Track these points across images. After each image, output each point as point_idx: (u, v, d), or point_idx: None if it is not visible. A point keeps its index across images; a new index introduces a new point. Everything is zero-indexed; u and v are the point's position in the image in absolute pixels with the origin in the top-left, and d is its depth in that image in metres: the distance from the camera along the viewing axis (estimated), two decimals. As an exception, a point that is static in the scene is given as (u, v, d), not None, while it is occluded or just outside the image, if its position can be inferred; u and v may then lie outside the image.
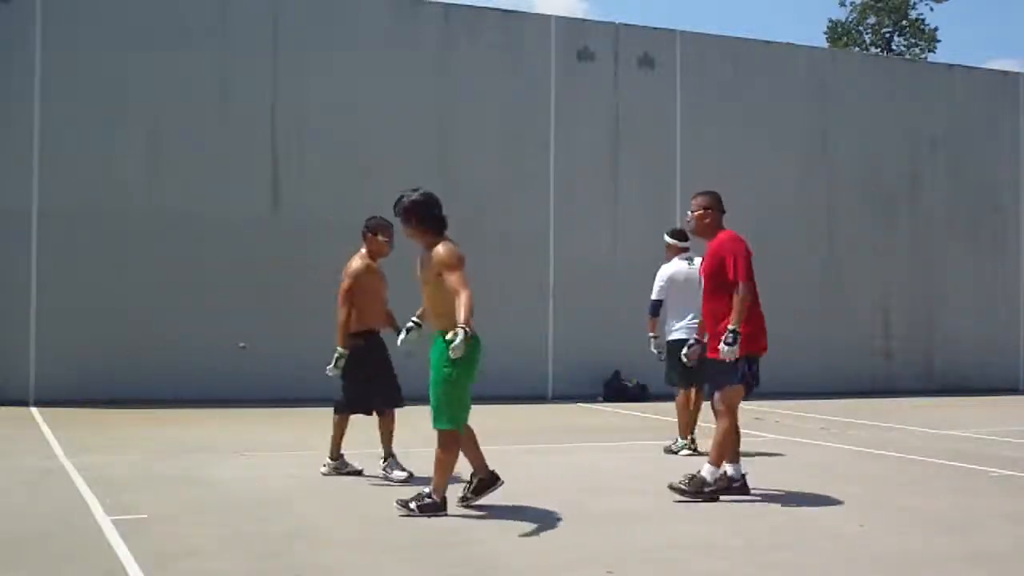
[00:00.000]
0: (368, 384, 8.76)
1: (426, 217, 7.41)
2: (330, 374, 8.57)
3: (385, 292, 9.10)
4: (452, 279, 7.08)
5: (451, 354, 6.65)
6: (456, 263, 7.16)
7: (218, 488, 7.91)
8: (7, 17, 14.75)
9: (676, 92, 18.19)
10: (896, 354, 19.52)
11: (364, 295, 8.85)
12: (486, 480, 7.31)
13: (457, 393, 7.11)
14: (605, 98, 17.78)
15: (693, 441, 10.35)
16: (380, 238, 9.16)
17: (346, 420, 8.82)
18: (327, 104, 16.05)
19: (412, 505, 6.92)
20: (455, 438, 7.16)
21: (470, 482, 7.34)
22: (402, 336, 8.18)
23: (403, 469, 8.57)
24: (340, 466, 8.74)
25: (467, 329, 6.66)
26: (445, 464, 7.10)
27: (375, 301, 8.97)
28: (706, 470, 7.63)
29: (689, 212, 8.20)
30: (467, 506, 7.19)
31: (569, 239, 17.31)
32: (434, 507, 6.93)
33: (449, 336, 6.68)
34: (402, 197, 7.48)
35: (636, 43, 18.04)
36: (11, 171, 14.60)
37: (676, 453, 10.26)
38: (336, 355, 8.60)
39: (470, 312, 6.80)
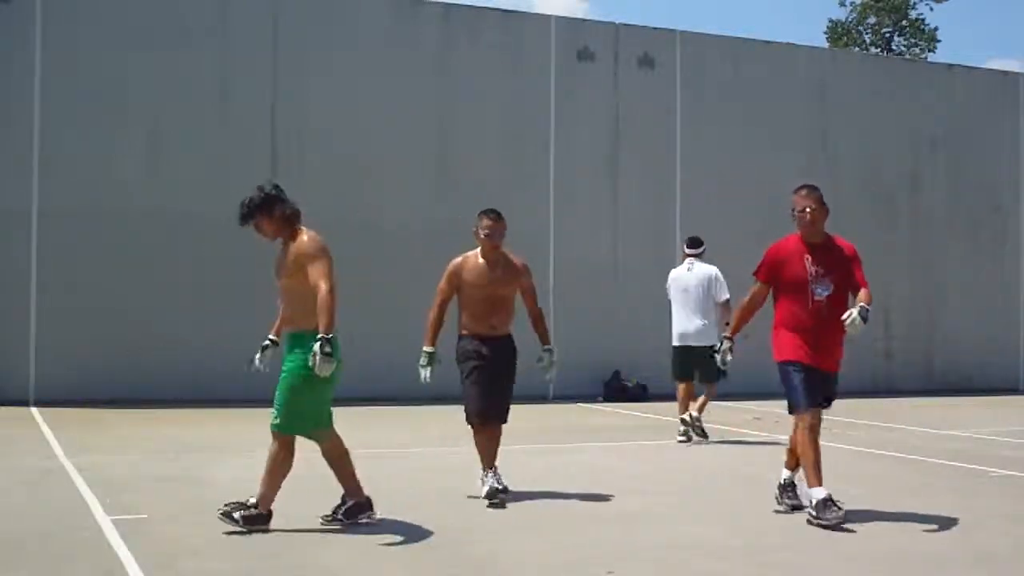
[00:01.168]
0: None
1: (284, 205, 7.00)
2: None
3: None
4: (315, 271, 6.55)
5: (316, 372, 6.31)
6: (321, 253, 6.68)
7: (218, 488, 7.90)
8: (7, 17, 14.75)
9: (676, 92, 18.19)
10: (896, 354, 19.51)
11: None
12: (362, 504, 6.67)
13: (304, 397, 6.57)
14: (605, 98, 17.78)
15: (687, 424, 11.07)
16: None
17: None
18: (327, 104, 16.05)
19: (236, 516, 6.31)
20: (291, 446, 6.59)
21: (342, 502, 6.71)
22: (257, 356, 7.56)
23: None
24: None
25: (328, 341, 6.27)
26: (275, 473, 6.50)
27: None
28: (813, 493, 6.79)
29: (804, 207, 7.17)
30: (326, 524, 6.61)
31: (569, 239, 17.31)
32: (259, 519, 6.35)
33: (316, 349, 6.27)
34: (248, 198, 7.08)
35: (636, 43, 18.04)
36: (11, 171, 14.60)
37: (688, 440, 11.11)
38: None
39: (332, 317, 6.33)
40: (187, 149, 15.35)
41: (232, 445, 10.47)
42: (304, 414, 6.63)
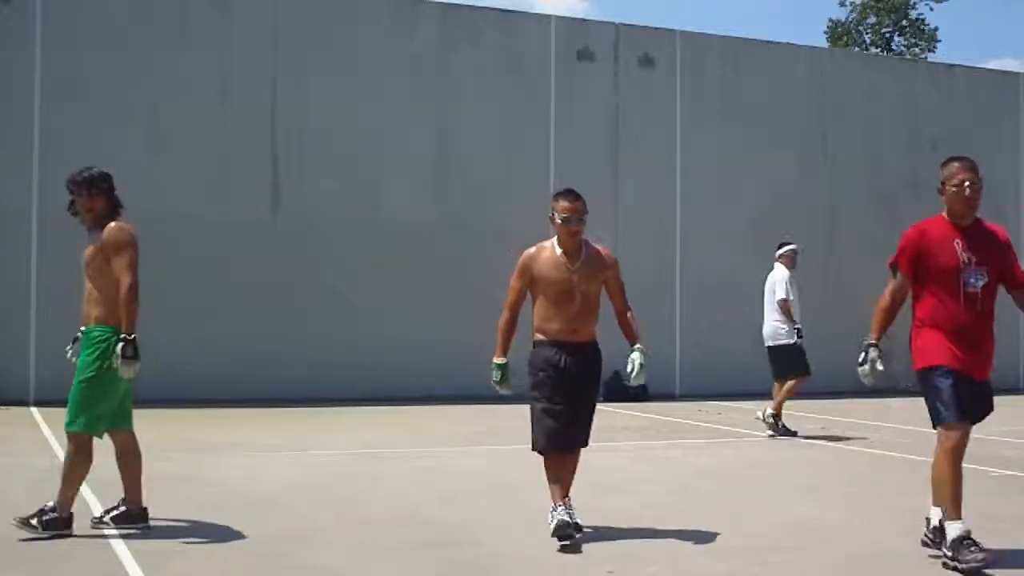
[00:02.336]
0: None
1: (111, 190, 6.81)
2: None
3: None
4: (120, 263, 6.33)
5: (120, 375, 6.10)
6: (129, 245, 6.48)
7: (218, 488, 7.90)
8: (7, 17, 14.75)
9: (676, 92, 18.19)
10: (896, 354, 19.50)
11: None
12: (135, 515, 6.33)
13: (100, 396, 6.26)
14: (605, 98, 17.78)
15: (774, 420, 11.69)
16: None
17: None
18: (327, 104, 16.05)
19: (34, 522, 6.02)
20: (87, 447, 6.21)
21: (118, 505, 6.39)
22: (69, 347, 7.17)
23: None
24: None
25: (131, 341, 6.10)
26: (71, 476, 6.17)
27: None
28: (948, 529, 5.71)
29: (964, 180, 5.88)
30: (95, 526, 6.30)
31: (569, 239, 17.29)
32: (59, 524, 6.06)
33: (117, 351, 6.10)
34: (89, 167, 6.90)
35: (636, 43, 18.04)
36: (11, 171, 14.60)
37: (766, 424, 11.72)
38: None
39: (134, 314, 6.13)
40: (187, 149, 15.36)
41: (232, 445, 10.47)
42: (100, 414, 6.24)
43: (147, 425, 11.94)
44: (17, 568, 5.48)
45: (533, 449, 6.34)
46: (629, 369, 6.46)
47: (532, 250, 6.47)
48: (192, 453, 9.78)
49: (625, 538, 6.37)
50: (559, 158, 17.34)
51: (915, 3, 42.37)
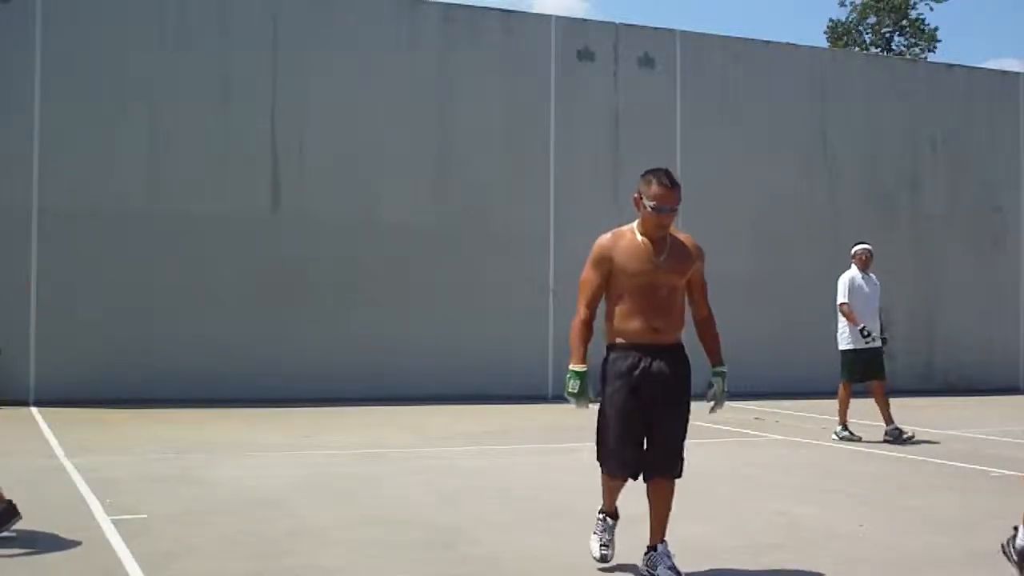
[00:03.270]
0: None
1: None
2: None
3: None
4: None
5: None
6: None
7: (218, 488, 7.90)
8: (7, 17, 14.75)
9: (676, 92, 18.19)
10: (896, 354, 19.50)
11: None
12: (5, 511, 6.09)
13: None
14: (605, 98, 17.78)
15: (845, 428, 11.59)
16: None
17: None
18: (327, 104, 16.05)
19: None
20: None
21: None
22: None
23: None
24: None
25: None
26: None
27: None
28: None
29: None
30: None
31: (569, 239, 17.29)
32: (6, 516, 6.04)
33: None
34: None
35: (636, 43, 18.04)
36: (11, 171, 14.60)
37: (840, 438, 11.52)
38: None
39: None
40: (187, 149, 15.36)
41: (232, 445, 10.47)
42: None
43: (147, 425, 11.98)
44: (17, 568, 5.48)
45: (599, 459, 5.56)
46: (708, 398, 5.40)
47: (608, 236, 5.44)
48: (192, 453, 9.78)
49: (625, 538, 6.37)
50: (559, 158, 17.34)
51: (915, 3, 42.38)
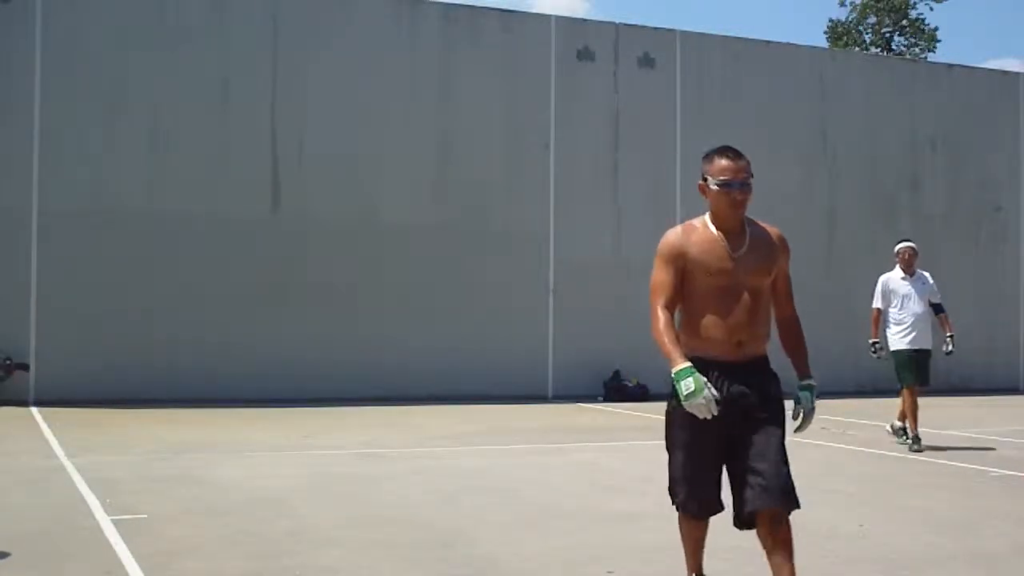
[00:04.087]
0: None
1: None
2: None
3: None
4: None
5: None
6: None
7: (218, 488, 7.90)
8: (7, 17, 14.75)
9: (676, 92, 18.19)
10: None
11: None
12: None
13: None
14: (605, 98, 17.78)
15: (904, 432, 10.87)
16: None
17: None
18: (327, 104, 16.06)
19: None
20: None
21: None
22: None
23: None
24: None
25: None
26: None
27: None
28: None
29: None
30: None
31: (569, 239, 17.31)
32: None
33: None
34: None
35: (636, 43, 18.04)
36: (11, 171, 14.61)
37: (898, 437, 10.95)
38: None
39: None
40: (187, 149, 15.36)
41: (232, 445, 10.47)
42: None
43: (147, 425, 11.98)
44: (17, 568, 5.48)
45: (674, 502, 4.75)
46: (793, 414, 4.50)
47: (677, 230, 4.49)
48: (192, 453, 9.78)
49: (625, 538, 6.37)
50: (559, 158, 17.34)
51: (915, 3, 42.37)
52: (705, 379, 4.23)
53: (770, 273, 4.46)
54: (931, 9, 60.83)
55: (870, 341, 11.19)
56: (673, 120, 18.16)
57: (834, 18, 43.54)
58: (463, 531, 6.50)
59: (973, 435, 12.26)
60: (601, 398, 16.59)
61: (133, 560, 5.56)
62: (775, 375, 4.48)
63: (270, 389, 14.92)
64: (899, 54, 40.65)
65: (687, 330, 4.47)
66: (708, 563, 5.76)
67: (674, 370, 4.31)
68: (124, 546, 5.87)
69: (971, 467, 9.57)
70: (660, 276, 4.44)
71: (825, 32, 43.01)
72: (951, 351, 11.22)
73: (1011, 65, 55.32)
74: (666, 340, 4.39)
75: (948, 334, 11.21)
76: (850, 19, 42.80)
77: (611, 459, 10.08)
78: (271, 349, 15.32)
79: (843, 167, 19.46)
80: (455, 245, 16.62)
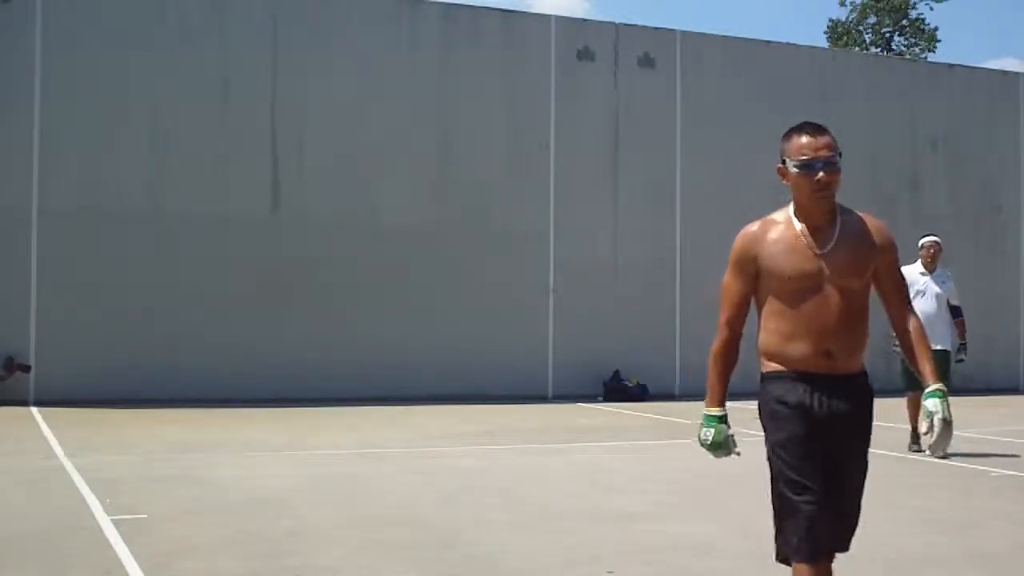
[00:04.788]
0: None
1: None
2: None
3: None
4: None
5: None
6: None
7: (218, 488, 7.90)
8: (7, 17, 14.75)
9: (676, 92, 18.19)
10: (896, 354, 19.51)
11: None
12: None
13: None
14: (605, 98, 17.78)
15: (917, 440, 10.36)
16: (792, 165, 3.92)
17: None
18: (327, 104, 16.06)
19: None
20: None
21: None
22: None
23: None
24: None
25: None
26: None
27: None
28: None
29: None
30: None
31: (569, 239, 17.31)
32: None
33: None
34: None
35: (636, 43, 18.04)
36: (11, 171, 14.61)
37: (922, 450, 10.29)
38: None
39: None
40: (187, 149, 15.36)
41: (232, 445, 10.47)
42: None
43: (147, 425, 11.98)
44: (19, 568, 5.47)
45: (777, 558, 3.87)
46: (924, 429, 3.76)
47: (753, 228, 3.97)
48: (192, 453, 9.78)
49: (625, 538, 6.37)
50: (559, 158, 17.34)
51: (915, 3, 42.39)
52: (731, 434, 4.00)
53: (863, 272, 3.76)
54: (931, 9, 60.92)
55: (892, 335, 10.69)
56: (673, 120, 18.16)
57: (834, 18, 43.56)
58: (463, 531, 6.50)
59: (973, 435, 12.25)
60: (601, 398, 16.59)
61: (133, 560, 5.56)
62: (871, 395, 3.84)
63: (270, 389, 14.92)
64: (899, 54, 40.65)
65: (771, 339, 3.81)
66: (708, 563, 5.75)
67: (705, 411, 3.98)
68: (124, 546, 5.87)
69: (971, 467, 9.57)
70: (728, 282, 3.95)
71: (825, 32, 43.04)
72: (961, 360, 10.69)
73: (1011, 65, 55.30)
74: (711, 373, 3.96)
75: (961, 341, 10.69)
76: (850, 19, 42.81)
77: (611, 459, 10.08)
78: (271, 349, 15.32)
79: (843, 167, 19.33)
80: (455, 245, 16.62)
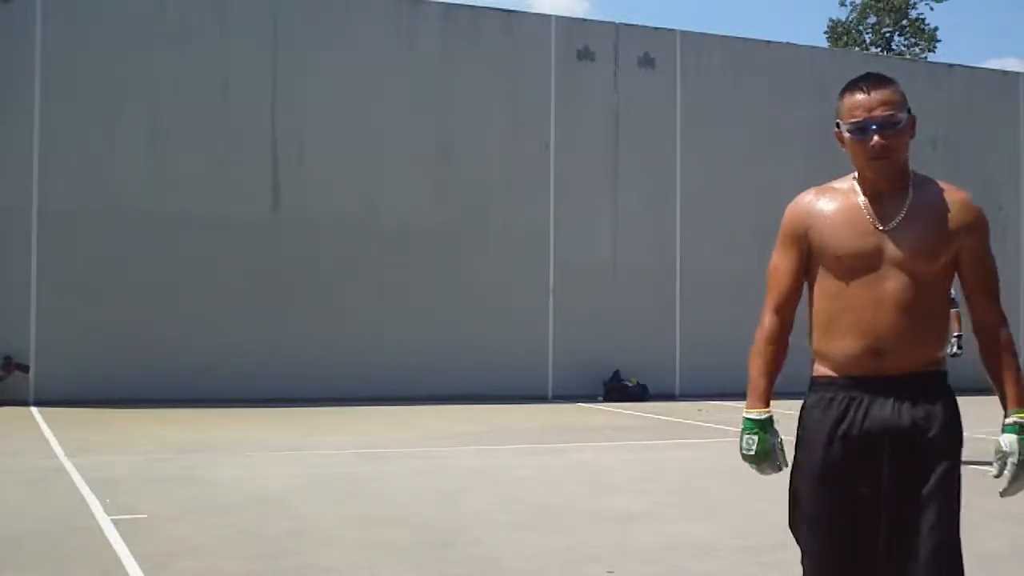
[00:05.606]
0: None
1: None
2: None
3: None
4: None
5: None
6: None
7: (218, 488, 7.90)
8: (7, 17, 14.75)
9: (676, 92, 18.19)
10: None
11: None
12: None
13: None
14: (605, 98, 17.78)
15: None
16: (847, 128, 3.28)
17: None
18: (327, 104, 16.06)
19: None
20: None
21: None
22: None
23: None
24: None
25: None
26: None
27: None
28: None
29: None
30: None
31: (569, 239, 17.31)
32: None
33: None
34: None
35: (636, 43, 18.04)
36: (11, 171, 14.61)
37: None
38: None
39: None
40: (187, 149, 15.36)
41: (232, 445, 10.47)
42: None
43: (147, 425, 11.98)
44: (19, 568, 5.47)
45: None
46: (995, 472, 3.20)
47: (808, 195, 3.29)
48: (192, 453, 9.78)
49: (625, 538, 6.37)
50: (559, 158, 17.34)
51: (915, 3, 42.39)
52: (780, 441, 3.12)
53: (937, 255, 3.00)
54: (931, 9, 60.92)
55: (955, 334, 10.09)
56: (673, 120, 18.16)
57: (834, 18, 43.56)
58: (463, 531, 6.50)
59: (973, 435, 12.25)
60: (601, 398, 16.59)
61: (133, 560, 5.56)
62: (947, 399, 3.05)
63: (270, 389, 14.92)
64: (899, 54, 40.65)
65: (819, 333, 3.14)
66: (707, 563, 5.75)
67: (746, 414, 3.15)
68: (124, 546, 5.87)
69: (971, 467, 9.56)
70: (776, 261, 3.21)
71: (825, 32, 43.04)
72: (956, 353, 9.96)
73: (1011, 65, 55.28)
74: (752, 368, 3.20)
75: (955, 333, 10.03)
76: (850, 19, 42.82)
77: (611, 459, 10.08)
78: (271, 349, 15.31)
79: (844, 167, 19.38)
80: (455, 245, 16.62)
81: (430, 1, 17.00)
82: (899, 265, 2.99)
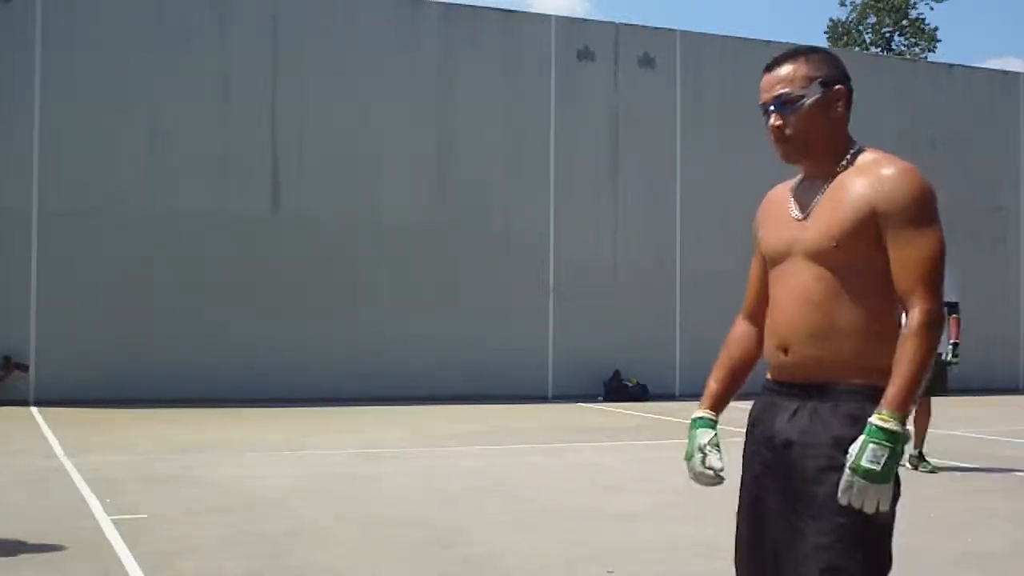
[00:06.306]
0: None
1: None
2: None
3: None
4: None
5: None
6: None
7: (218, 488, 7.90)
8: (7, 17, 14.75)
9: (676, 92, 18.19)
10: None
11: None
12: None
13: None
14: (605, 98, 17.78)
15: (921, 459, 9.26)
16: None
17: None
18: (327, 104, 16.06)
19: None
20: None
21: None
22: None
23: None
24: None
25: None
26: None
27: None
28: None
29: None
30: None
31: (569, 239, 17.31)
32: None
33: None
34: None
35: (636, 43, 18.04)
36: (11, 171, 14.61)
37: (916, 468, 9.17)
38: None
39: None
40: (187, 149, 15.36)
41: (232, 445, 10.48)
42: None
43: (147, 425, 11.98)
44: (18, 568, 5.48)
45: None
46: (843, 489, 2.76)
47: (772, 192, 3.16)
48: (192, 453, 9.78)
49: (625, 538, 6.37)
50: (559, 158, 17.34)
51: (915, 3, 42.40)
52: (706, 442, 2.82)
53: (841, 239, 2.63)
54: (931, 9, 60.96)
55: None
56: (673, 120, 18.16)
57: (834, 18, 43.59)
58: (463, 531, 6.50)
59: (973, 435, 12.26)
60: (601, 398, 16.59)
61: (133, 560, 5.56)
62: (853, 414, 2.59)
63: (269, 389, 14.92)
64: (899, 54, 40.65)
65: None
66: (708, 563, 5.75)
67: (695, 415, 2.95)
68: (124, 546, 5.87)
69: (971, 467, 9.57)
70: (752, 264, 3.03)
71: (825, 32, 43.07)
72: (950, 361, 9.76)
73: (1012, 65, 55.32)
74: (717, 368, 3.04)
75: (951, 341, 9.67)
76: (850, 19, 42.83)
77: (611, 459, 10.08)
78: (271, 349, 15.31)
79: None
80: (455, 245, 16.62)
81: (430, 1, 17.00)
82: (810, 256, 2.68)
